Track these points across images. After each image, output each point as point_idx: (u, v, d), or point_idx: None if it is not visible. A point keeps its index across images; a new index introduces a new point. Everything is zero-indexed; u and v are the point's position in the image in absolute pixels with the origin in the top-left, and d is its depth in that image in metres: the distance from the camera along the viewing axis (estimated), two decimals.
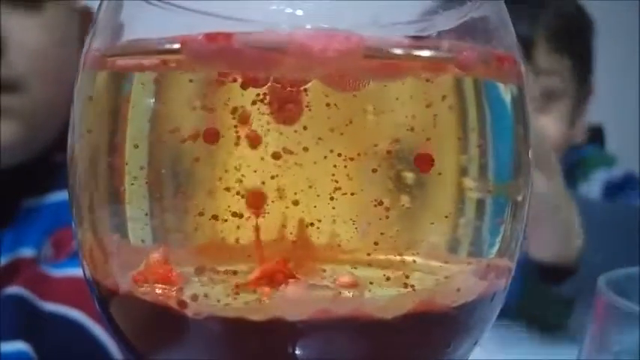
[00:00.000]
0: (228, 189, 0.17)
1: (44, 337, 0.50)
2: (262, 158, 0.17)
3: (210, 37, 0.17)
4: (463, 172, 0.18)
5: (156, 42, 0.18)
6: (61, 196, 0.58)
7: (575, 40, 0.90)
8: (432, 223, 0.18)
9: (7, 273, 0.53)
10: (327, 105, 0.17)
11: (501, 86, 0.19)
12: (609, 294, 0.32)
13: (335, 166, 0.17)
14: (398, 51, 0.17)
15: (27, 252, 0.55)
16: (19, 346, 0.49)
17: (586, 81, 0.93)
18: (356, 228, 0.17)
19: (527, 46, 0.84)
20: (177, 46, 0.17)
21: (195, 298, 0.17)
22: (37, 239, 0.56)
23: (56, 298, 0.52)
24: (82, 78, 0.20)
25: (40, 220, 0.57)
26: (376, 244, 0.17)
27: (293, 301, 0.17)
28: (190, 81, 0.18)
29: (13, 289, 0.52)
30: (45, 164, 0.58)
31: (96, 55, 0.19)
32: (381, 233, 0.17)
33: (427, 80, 0.17)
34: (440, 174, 0.18)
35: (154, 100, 0.18)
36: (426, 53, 0.17)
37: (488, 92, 0.19)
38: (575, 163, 0.96)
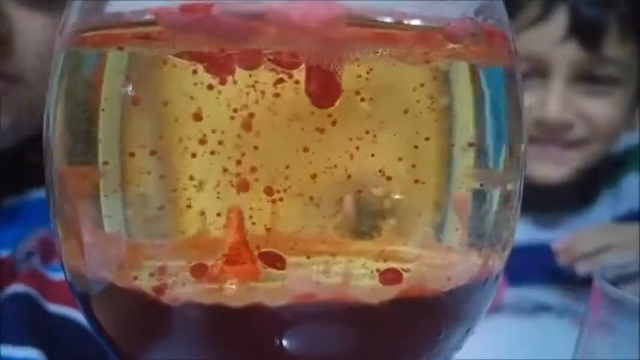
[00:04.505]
0: (211, 178, 0.16)
1: (50, 339, 0.50)
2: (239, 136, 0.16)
3: (187, 7, 0.16)
4: (452, 159, 0.18)
5: (132, 15, 0.17)
6: (39, 195, 0.58)
7: None
8: (421, 212, 0.17)
9: None
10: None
11: (492, 64, 0.19)
12: (606, 285, 0.31)
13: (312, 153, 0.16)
14: (383, 19, 0.16)
15: (2, 252, 0.55)
16: (30, 352, 0.49)
17: None
18: (340, 217, 0.16)
19: (596, 31, 0.79)
20: (153, 17, 0.16)
21: (171, 285, 0.16)
22: (14, 239, 0.56)
23: (59, 300, 0.52)
24: (56, 60, 0.19)
25: (18, 220, 0.56)
26: (362, 233, 0.17)
27: (272, 287, 0.16)
28: (164, 63, 0.17)
29: (19, 288, 0.51)
30: (22, 163, 0.57)
31: (70, 32, 0.19)
32: (368, 222, 0.17)
33: (414, 54, 0.17)
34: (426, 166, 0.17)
35: (130, 82, 0.17)
36: (412, 22, 0.16)
37: (478, 70, 0.18)
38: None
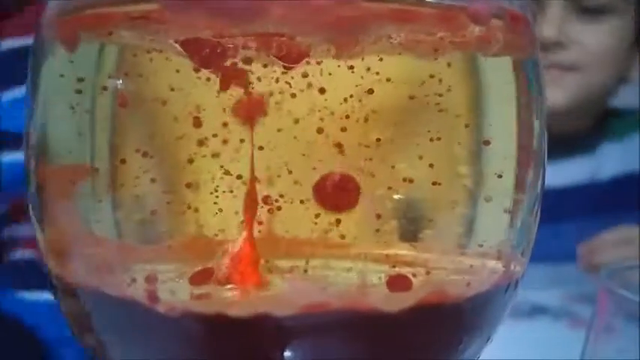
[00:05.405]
0: (209, 180, 0.15)
1: None
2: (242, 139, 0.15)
3: None
4: (469, 158, 0.16)
5: None
6: None
7: None
8: (439, 216, 0.16)
9: None
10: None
11: (515, 52, 0.17)
12: (613, 287, 0.30)
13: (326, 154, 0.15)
14: None
15: None
16: None
17: None
18: (356, 221, 0.15)
19: None
20: None
21: (167, 292, 0.15)
22: None
23: None
24: (35, 46, 0.18)
25: None
26: (378, 238, 0.15)
27: (279, 294, 0.14)
28: (159, 53, 0.15)
29: None
30: None
31: (51, 13, 0.17)
32: (384, 227, 0.15)
33: (432, 40, 0.15)
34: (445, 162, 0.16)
35: (121, 77, 0.16)
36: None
37: (500, 59, 0.17)
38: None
